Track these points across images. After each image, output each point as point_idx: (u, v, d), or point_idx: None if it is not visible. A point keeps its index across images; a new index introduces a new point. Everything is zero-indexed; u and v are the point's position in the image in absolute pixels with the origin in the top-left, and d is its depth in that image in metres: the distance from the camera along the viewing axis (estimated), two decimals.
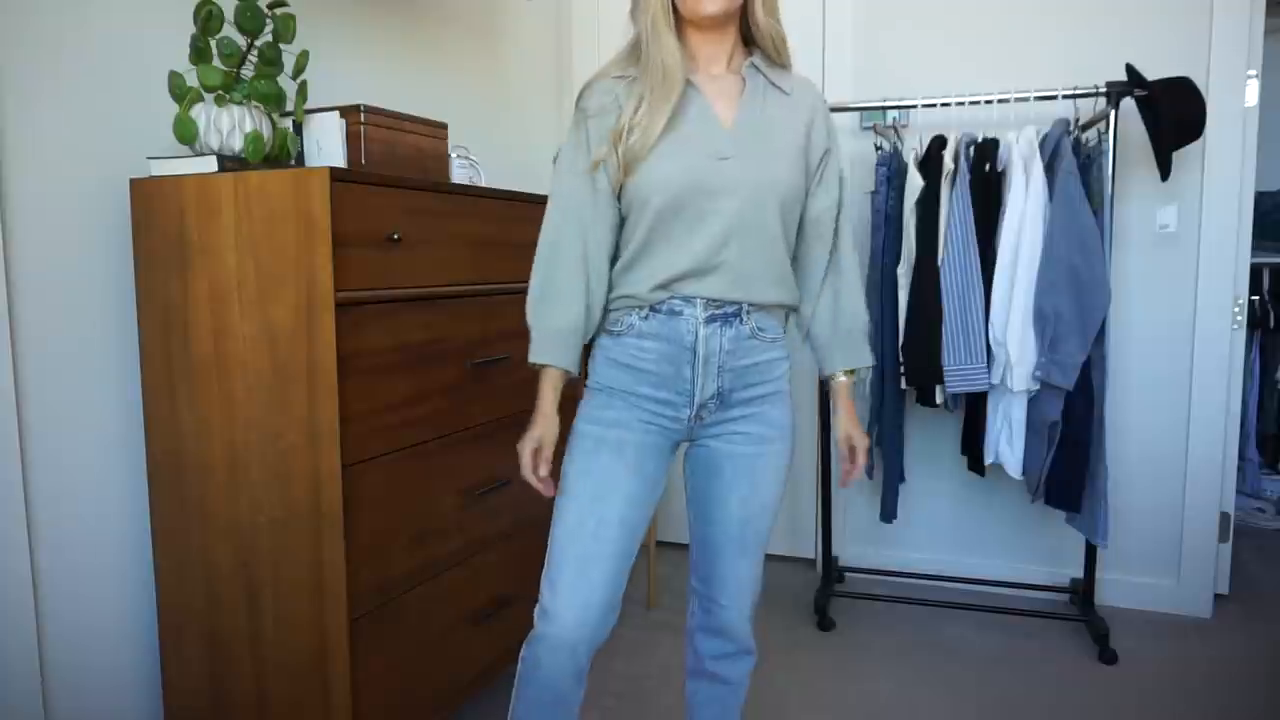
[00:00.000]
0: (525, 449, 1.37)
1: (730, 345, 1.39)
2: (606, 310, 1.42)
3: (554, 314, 1.38)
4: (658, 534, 3.17)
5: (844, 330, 1.49)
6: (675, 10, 1.36)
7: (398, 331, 1.55)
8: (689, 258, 1.35)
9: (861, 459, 1.52)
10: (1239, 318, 2.57)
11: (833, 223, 1.47)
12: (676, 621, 2.61)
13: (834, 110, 2.60)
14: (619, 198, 1.39)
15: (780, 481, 1.47)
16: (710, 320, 1.38)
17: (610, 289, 1.42)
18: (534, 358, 1.39)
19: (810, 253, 1.48)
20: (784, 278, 1.43)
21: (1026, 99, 2.38)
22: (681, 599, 2.79)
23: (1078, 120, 2.40)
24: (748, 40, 1.44)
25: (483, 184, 2.01)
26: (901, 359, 2.49)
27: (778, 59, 1.43)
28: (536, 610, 1.35)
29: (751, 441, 1.43)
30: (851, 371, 1.52)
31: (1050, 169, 2.32)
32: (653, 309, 1.38)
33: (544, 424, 1.38)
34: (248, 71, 1.57)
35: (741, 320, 1.39)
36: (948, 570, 2.86)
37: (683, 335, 1.37)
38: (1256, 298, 3.53)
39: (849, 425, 1.52)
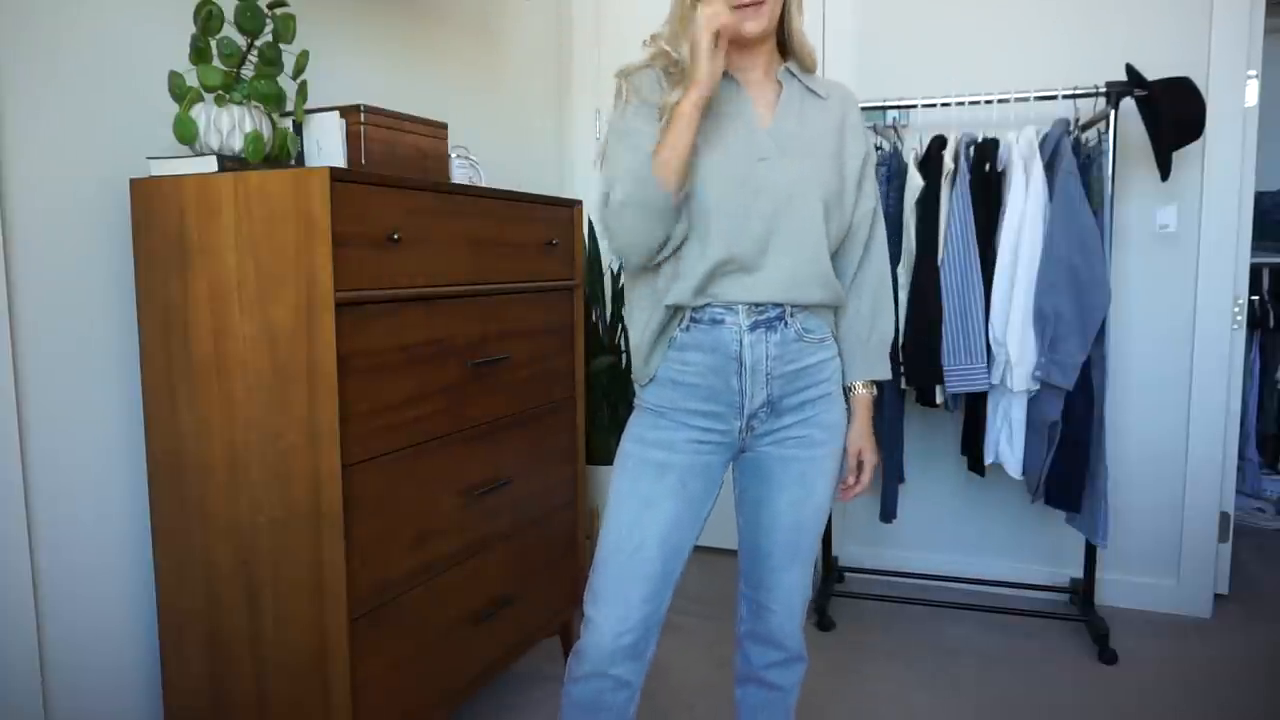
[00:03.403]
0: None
1: (777, 350, 1.36)
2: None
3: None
4: None
5: (875, 342, 1.47)
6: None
7: (398, 331, 1.55)
8: (728, 255, 1.33)
9: (867, 477, 1.49)
10: (1239, 318, 2.57)
11: (869, 229, 1.46)
12: (677, 621, 2.61)
13: None
14: None
15: (831, 485, 1.46)
16: (754, 327, 1.35)
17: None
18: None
19: (845, 257, 1.45)
20: (827, 278, 1.38)
21: (1026, 99, 2.38)
22: (684, 599, 2.78)
23: (1078, 120, 2.40)
24: (783, 50, 1.44)
25: (483, 184, 2.01)
26: (901, 359, 2.49)
27: (810, 67, 1.44)
28: (583, 621, 1.38)
29: (804, 446, 1.41)
30: (872, 384, 1.50)
31: (1050, 169, 2.32)
32: (694, 319, 1.36)
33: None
34: (248, 71, 1.57)
35: (786, 324, 1.37)
36: (948, 570, 2.86)
37: (727, 344, 1.35)
38: (1256, 298, 3.52)
39: (863, 439, 1.49)
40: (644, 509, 1.37)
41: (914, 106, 2.51)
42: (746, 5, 1.30)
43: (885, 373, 1.49)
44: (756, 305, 1.36)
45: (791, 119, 1.39)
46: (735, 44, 1.35)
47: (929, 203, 2.41)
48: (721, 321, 1.35)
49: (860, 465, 1.49)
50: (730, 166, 1.34)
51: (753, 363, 1.36)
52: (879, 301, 1.46)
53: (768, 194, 1.33)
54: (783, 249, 1.34)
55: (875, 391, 1.50)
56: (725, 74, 1.36)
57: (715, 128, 1.35)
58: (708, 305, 1.36)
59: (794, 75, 1.42)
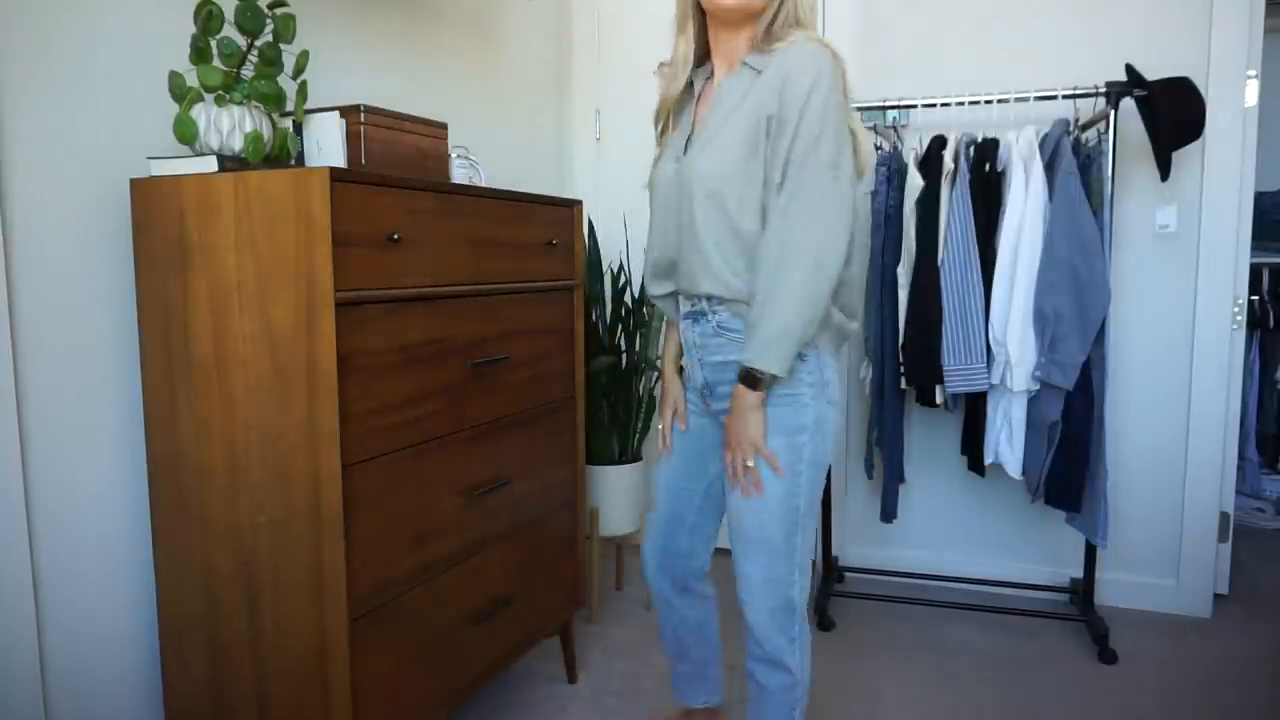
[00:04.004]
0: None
1: (701, 340, 1.51)
2: None
3: None
4: None
5: (761, 327, 1.34)
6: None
7: (398, 331, 1.55)
8: (658, 253, 1.55)
9: (741, 479, 1.42)
10: (1239, 318, 2.57)
11: (785, 195, 1.33)
12: None
13: None
14: None
15: (773, 483, 1.41)
16: (687, 315, 1.53)
17: None
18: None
19: (763, 234, 1.37)
20: (717, 272, 1.40)
21: (1026, 99, 2.38)
22: None
23: (1078, 120, 2.40)
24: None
25: (483, 184, 2.01)
26: (901, 359, 2.49)
27: (778, 38, 1.37)
28: None
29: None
30: (761, 375, 1.35)
31: (1050, 169, 2.32)
32: (676, 305, 1.60)
33: None
34: (248, 71, 1.57)
35: (708, 318, 1.48)
36: (948, 570, 2.86)
37: (681, 328, 1.58)
38: (1256, 298, 3.52)
39: (728, 435, 1.42)
40: (666, 457, 1.69)
41: (914, 106, 2.51)
42: None
43: (765, 362, 1.34)
44: (685, 297, 1.52)
45: (719, 113, 1.42)
46: (717, 20, 1.43)
47: (929, 203, 2.41)
48: (679, 308, 1.58)
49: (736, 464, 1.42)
50: (661, 170, 1.51)
51: (690, 348, 1.55)
52: (776, 281, 1.32)
53: (677, 193, 1.45)
54: (689, 245, 1.44)
55: (765, 381, 1.37)
56: (708, 63, 1.48)
57: (672, 135, 1.53)
58: (671, 294, 1.58)
59: (748, 65, 1.40)
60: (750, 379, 1.37)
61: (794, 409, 1.41)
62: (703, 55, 1.50)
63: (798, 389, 1.41)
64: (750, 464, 1.41)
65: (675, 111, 1.54)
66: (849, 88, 1.39)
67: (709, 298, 1.44)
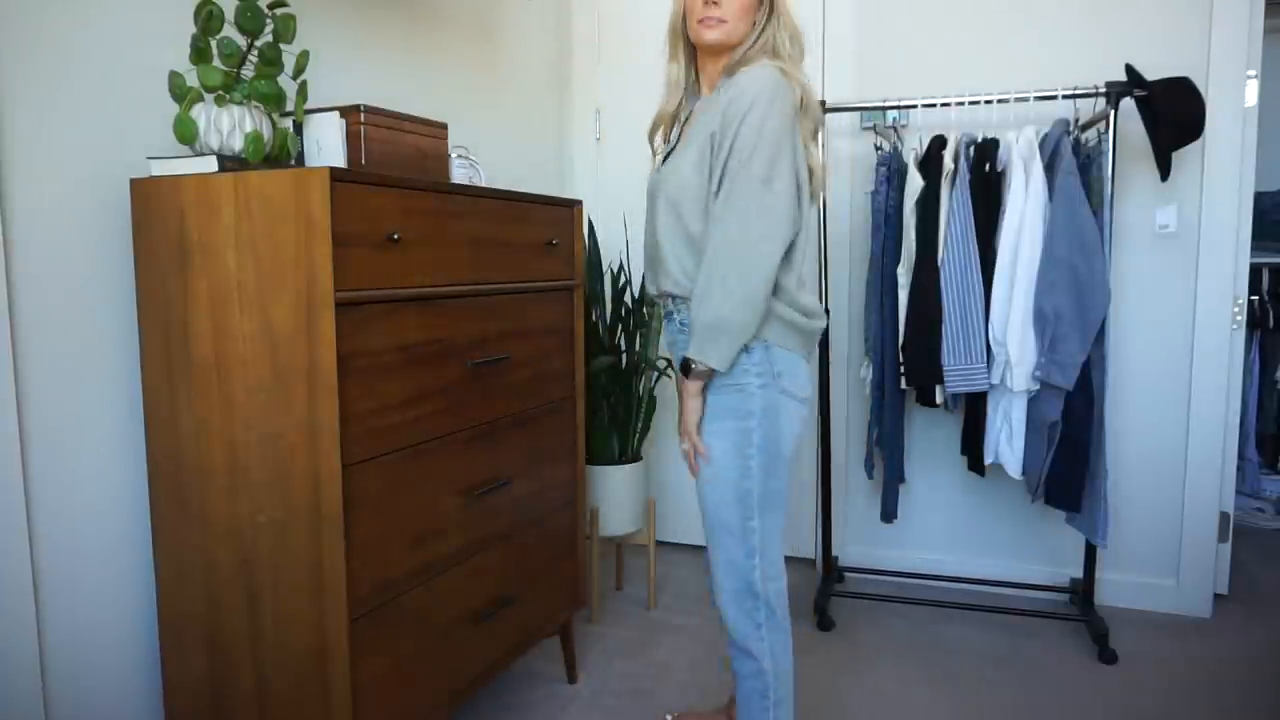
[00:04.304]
0: None
1: (671, 338, 1.65)
2: None
3: None
4: (657, 534, 3.17)
5: (698, 322, 1.47)
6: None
7: (398, 331, 1.55)
8: (645, 255, 1.68)
9: (692, 463, 1.57)
10: (1239, 318, 2.57)
11: (722, 203, 1.46)
12: (676, 621, 2.61)
13: (834, 110, 2.60)
14: None
15: (725, 466, 1.52)
16: (665, 315, 1.66)
17: None
18: None
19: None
20: (667, 271, 1.57)
21: (1026, 99, 2.38)
22: (680, 599, 2.78)
23: (1077, 120, 2.40)
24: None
25: (483, 184, 2.01)
26: (901, 359, 2.49)
27: (742, 66, 1.52)
28: None
29: (705, 422, 1.54)
30: (698, 366, 1.47)
31: (1050, 169, 2.32)
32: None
33: None
34: (248, 71, 1.57)
35: (674, 316, 1.62)
36: (948, 570, 2.86)
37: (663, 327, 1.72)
38: (1256, 298, 3.53)
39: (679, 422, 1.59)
40: None
41: (914, 106, 2.51)
42: (708, 18, 1.49)
43: (702, 354, 1.46)
44: (659, 297, 1.64)
45: (689, 131, 1.57)
46: (701, 50, 1.57)
47: (929, 203, 2.41)
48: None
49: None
50: (650, 181, 1.65)
51: (669, 345, 1.67)
52: (710, 279, 1.44)
53: (650, 201, 1.61)
54: (653, 248, 1.60)
55: (703, 373, 1.48)
56: (680, 107, 1.65)
57: (665, 144, 1.68)
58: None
59: (718, 88, 1.55)
60: (685, 368, 1.51)
61: (740, 397, 1.51)
62: (694, 77, 1.66)
63: (743, 379, 1.51)
64: (686, 448, 1.56)
65: (669, 127, 1.69)
66: (810, 108, 1.53)
67: (673, 297, 1.59)
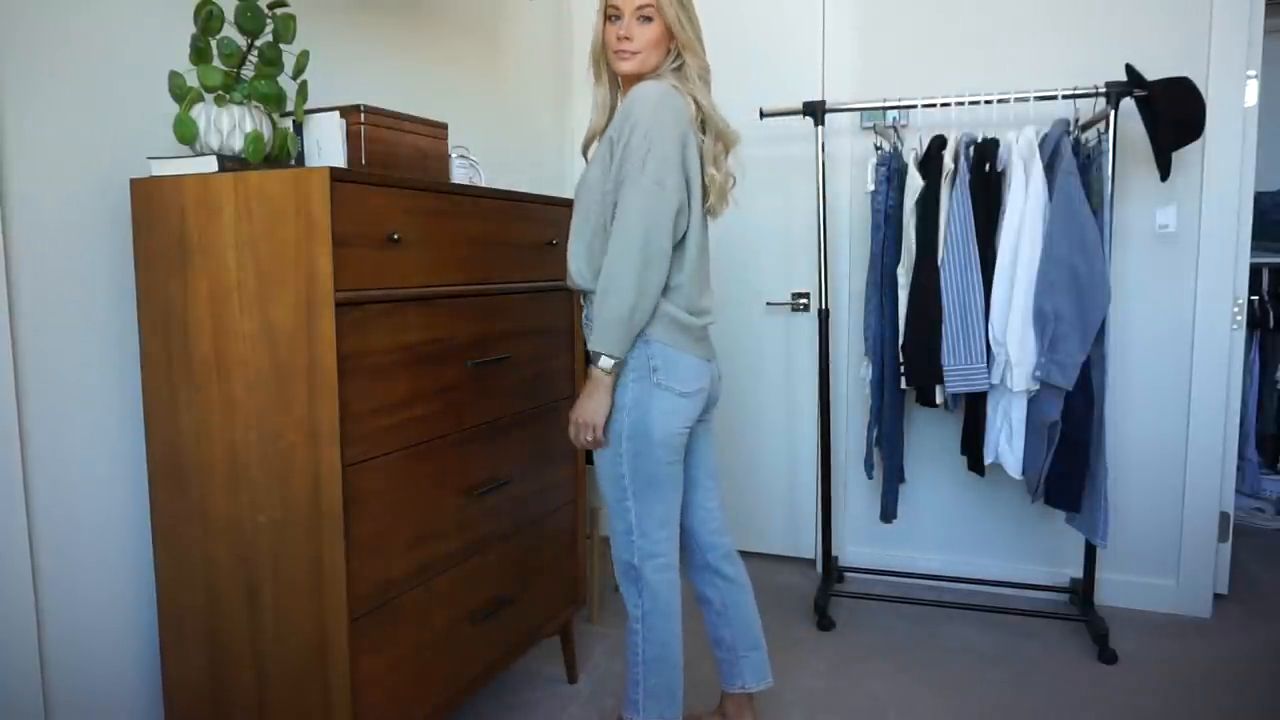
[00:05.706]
0: None
1: (585, 328, 1.73)
2: None
3: None
4: None
5: (597, 319, 1.58)
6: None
7: (398, 331, 1.55)
8: None
9: (578, 443, 1.66)
10: (1239, 318, 2.57)
11: (611, 206, 1.60)
12: None
13: (834, 110, 2.61)
14: None
15: (603, 452, 1.66)
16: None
17: None
18: None
19: None
20: (570, 271, 1.68)
21: (1026, 99, 2.38)
22: (684, 600, 2.78)
23: (1078, 120, 2.40)
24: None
25: (483, 184, 2.01)
26: (902, 359, 2.49)
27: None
28: None
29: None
30: (601, 359, 1.58)
31: (1050, 169, 2.32)
32: None
33: None
34: (248, 71, 1.57)
35: (585, 310, 1.74)
36: (948, 570, 2.86)
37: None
38: (1256, 298, 3.52)
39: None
40: None
41: (914, 106, 2.51)
42: (622, 50, 1.63)
43: (601, 345, 1.57)
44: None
45: (602, 140, 1.68)
46: (622, 75, 1.69)
47: (929, 203, 2.41)
48: None
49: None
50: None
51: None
52: (606, 276, 1.57)
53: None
54: (569, 248, 1.71)
55: (605, 366, 1.59)
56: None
57: None
58: None
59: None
60: (588, 357, 1.62)
61: (617, 390, 1.64)
62: (619, 99, 1.78)
63: (620, 373, 1.63)
64: (585, 438, 1.65)
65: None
66: (719, 131, 1.67)
67: (584, 293, 1.71)
